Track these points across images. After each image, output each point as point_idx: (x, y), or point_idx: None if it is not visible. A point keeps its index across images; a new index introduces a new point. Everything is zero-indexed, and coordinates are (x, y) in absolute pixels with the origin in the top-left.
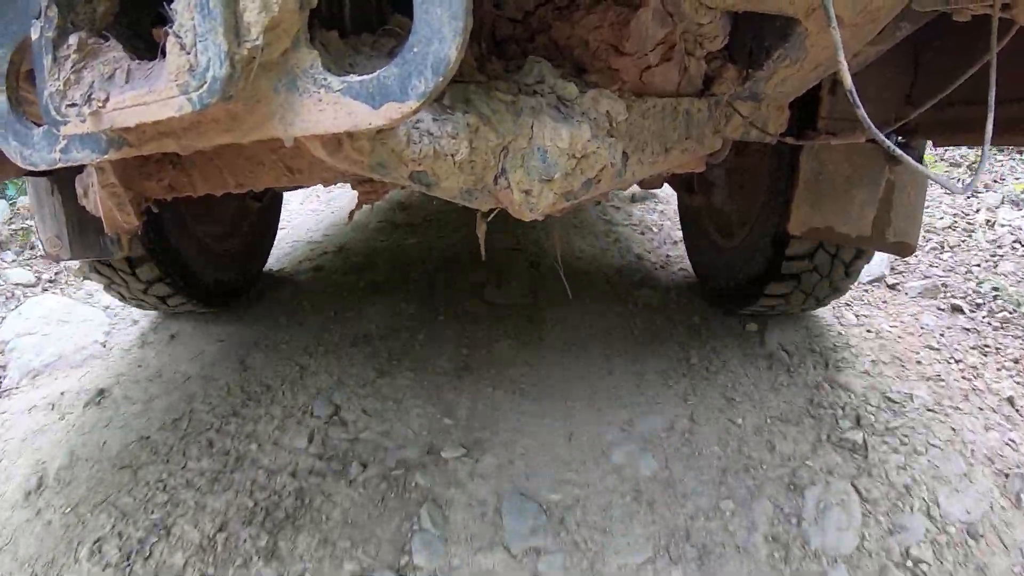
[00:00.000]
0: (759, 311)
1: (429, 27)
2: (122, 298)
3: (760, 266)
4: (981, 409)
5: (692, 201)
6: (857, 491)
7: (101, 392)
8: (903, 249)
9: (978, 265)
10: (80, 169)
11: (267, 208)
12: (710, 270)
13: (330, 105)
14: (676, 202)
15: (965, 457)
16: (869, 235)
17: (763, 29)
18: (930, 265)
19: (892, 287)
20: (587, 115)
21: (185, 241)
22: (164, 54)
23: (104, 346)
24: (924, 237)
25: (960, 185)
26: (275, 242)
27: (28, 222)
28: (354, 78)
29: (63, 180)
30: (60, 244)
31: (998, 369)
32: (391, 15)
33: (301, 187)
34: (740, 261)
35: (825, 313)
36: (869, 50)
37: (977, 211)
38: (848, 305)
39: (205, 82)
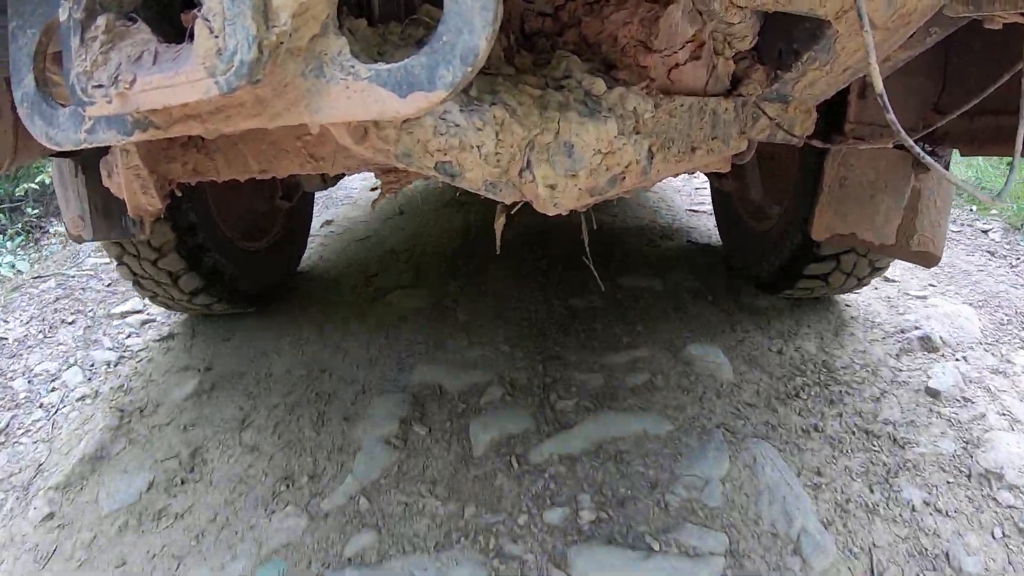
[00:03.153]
0: (799, 293)
1: (459, 17)
2: (153, 296)
3: (796, 248)
4: None
5: (723, 186)
6: None
7: None
8: (927, 259)
9: None
10: (105, 151)
11: (298, 208)
12: (745, 254)
13: (357, 93)
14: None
15: None
16: (893, 243)
17: (793, 30)
18: None
19: None
20: (614, 111)
21: (215, 242)
22: (192, 37)
23: None
24: None
25: (989, 195)
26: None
27: None
28: (382, 66)
29: (87, 161)
30: (83, 224)
31: None
32: (420, 4)
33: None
34: (775, 244)
35: None
36: (899, 55)
37: None
38: None
39: (233, 65)
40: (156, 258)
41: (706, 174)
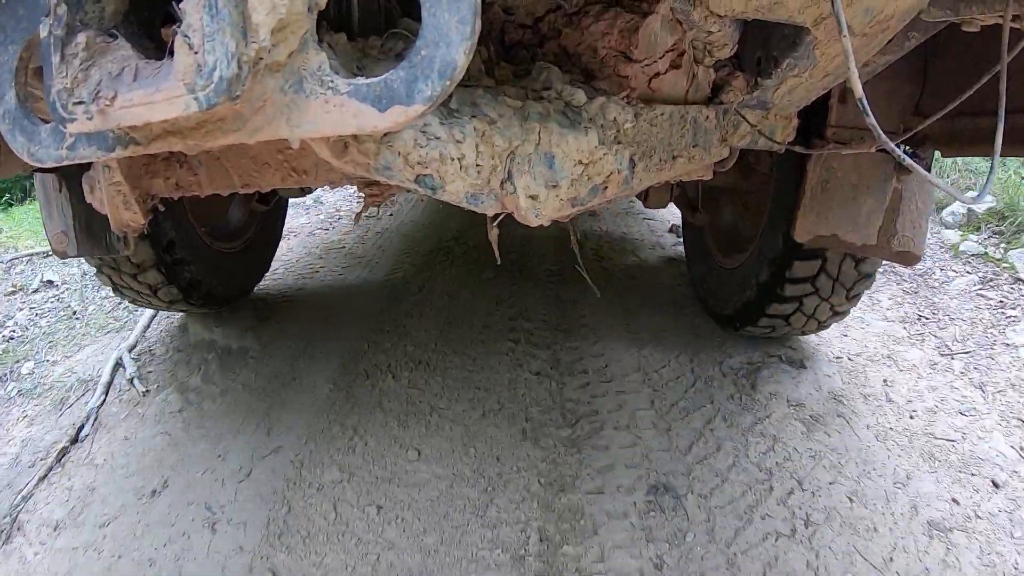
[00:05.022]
0: (761, 331)
1: (437, 31)
2: (116, 289)
3: (762, 286)
4: None
5: (696, 220)
6: None
7: None
8: (908, 258)
9: None
10: (87, 166)
11: (273, 212)
12: (712, 290)
13: (336, 107)
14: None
15: None
16: (875, 243)
17: (772, 38)
18: None
19: None
20: (595, 121)
21: (190, 243)
22: (172, 54)
23: None
24: None
25: (969, 196)
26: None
27: None
28: (361, 81)
29: (70, 177)
30: (66, 240)
31: None
32: (399, 18)
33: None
34: (742, 281)
35: None
36: (878, 60)
37: None
38: None
39: (212, 82)
40: (136, 273)
41: (678, 207)
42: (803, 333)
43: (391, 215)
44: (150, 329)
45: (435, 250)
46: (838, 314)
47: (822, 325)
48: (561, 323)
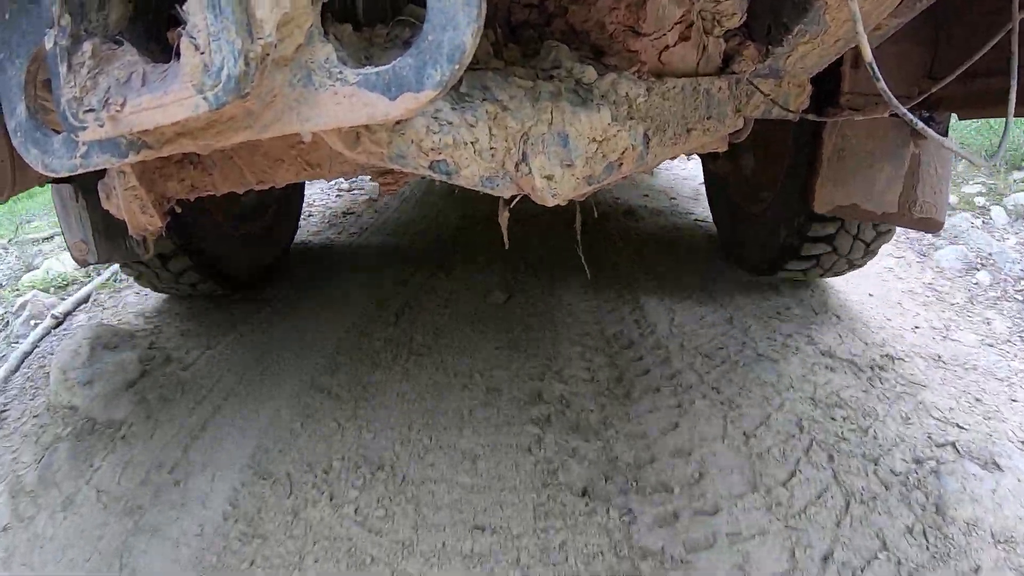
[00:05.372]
0: (793, 274)
1: (443, 15)
2: (137, 277)
3: (789, 231)
4: None
5: (717, 168)
6: None
7: None
8: (930, 225)
9: None
10: (102, 173)
11: (291, 193)
12: (739, 237)
13: (347, 98)
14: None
15: None
16: (895, 211)
17: (781, 4)
18: None
19: None
20: (607, 98)
21: (208, 225)
22: (178, 55)
23: None
24: None
25: (983, 158)
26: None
27: None
28: (370, 70)
29: (86, 185)
30: (87, 248)
31: None
32: (404, 5)
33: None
34: (768, 226)
35: None
36: (889, 23)
37: None
38: None
39: (220, 81)
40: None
41: (699, 155)
42: (835, 274)
43: (374, 212)
44: (18, 373)
45: (425, 256)
46: (871, 252)
47: (853, 265)
48: (616, 383)
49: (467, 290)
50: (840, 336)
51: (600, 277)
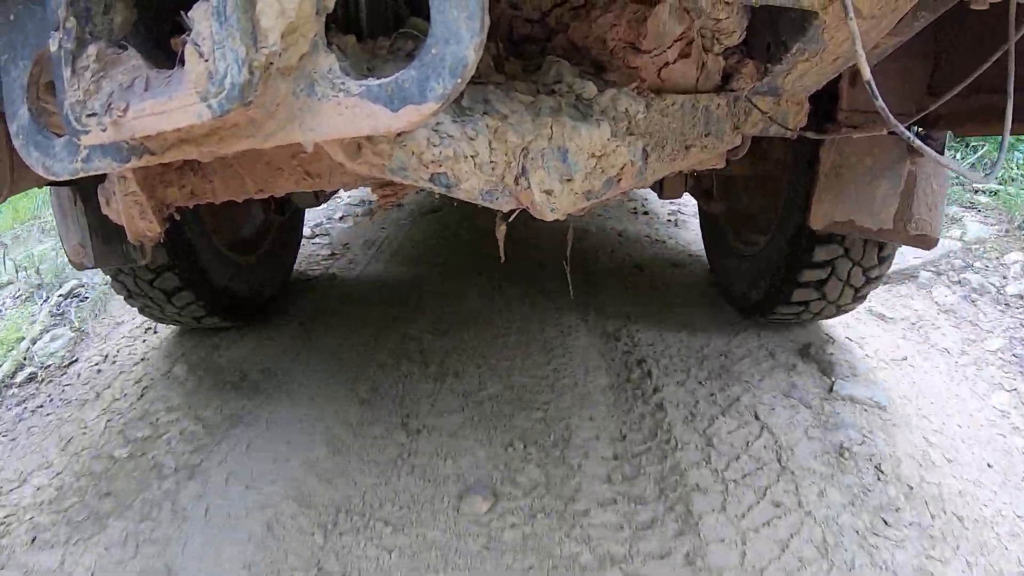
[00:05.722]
0: (784, 318)
1: (446, 28)
2: (144, 309)
3: (783, 270)
4: None
5: (711, 208)
6: None
7: None
8: (925, 242)
9: None
10: (102, 178)
11: (290, 222)
12: (732, 278)
13: (349, 109)
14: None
15: None
16: (891, 228)
17: (780, 23)
18: None
19: None
20: (606, 114)
21: (207, 255)
22: (183, 62)
23: None
24: None
25: (980, 175)
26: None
27: None
28: (372, 81)
29: (86, 189)
30: (84, 252)
31: None
32: (408, 18)
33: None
34: (761, 268)
35: None
36: (888, 41)
37: None
38: None
39: (224, 88)
40: (152, 279)
41: (694, 196)
42: (826, 317)
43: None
44: None
45: (399, 345)
46: (859, 298)
47: (841, 310)
48: None
49: (456, 398)
50: None
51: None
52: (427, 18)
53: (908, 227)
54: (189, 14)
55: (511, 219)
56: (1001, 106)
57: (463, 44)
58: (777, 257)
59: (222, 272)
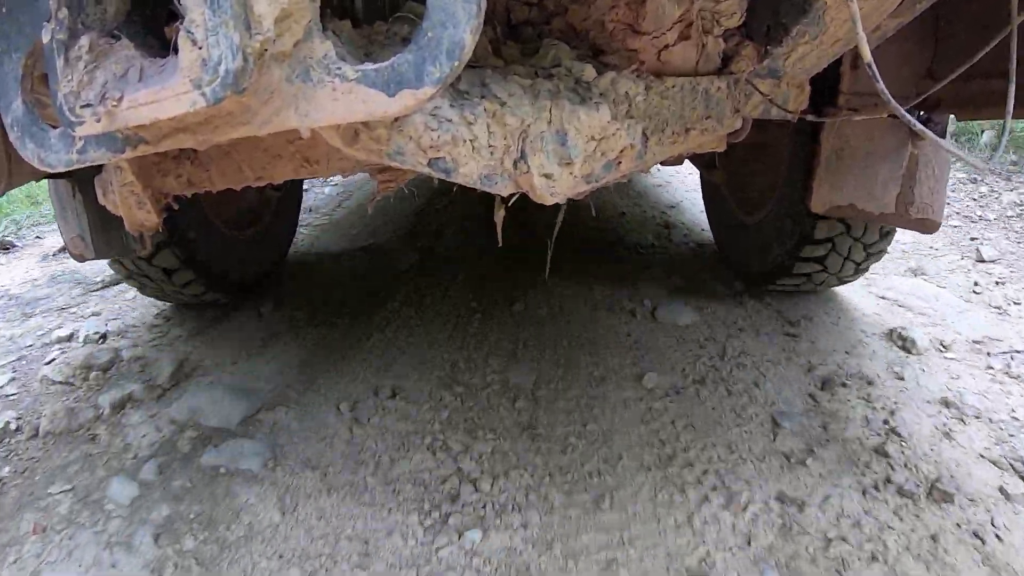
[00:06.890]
0: (787, 287)
1: (443, 11)
2: (141, 288)
3: (786, 243)
4: None
5: (713, 177)
6: None
7: None
8: (927, 226)
9: None
10: (99, 169)
11: (287, 197)
12: (735, 248)
13: (345, 94)
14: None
15: None
16: (893, 212)
17: (781, 4)
18: None
19: None
20: (606, 97)
21: (204, 230)
22: (176, 50)
23: None
24: None
25: (982, 159)
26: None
27: None
28: (368, 66)
29: (83, 180)
30: (83, 244)
31: None
32: (404, 2)
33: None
34: (764, 239)
35: None
36: (889, 23)
37: None
38: None
39: (218, 76)
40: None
41: (695, 165)
42: (829, 287)
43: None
44: None
45: None
46: (861, 270)
47: (842, 282)
48: None
49: None
50: None
51: None
52: (423, 2)
53: (910, 211)
54: (182, 1)
55: (510, 204)
56: (1002, 90)
57: (460, 27)
58: (779, 229)
59: (221, 249)
